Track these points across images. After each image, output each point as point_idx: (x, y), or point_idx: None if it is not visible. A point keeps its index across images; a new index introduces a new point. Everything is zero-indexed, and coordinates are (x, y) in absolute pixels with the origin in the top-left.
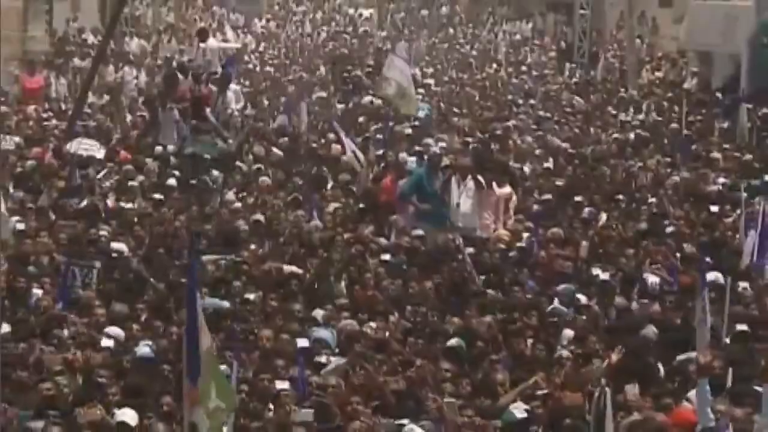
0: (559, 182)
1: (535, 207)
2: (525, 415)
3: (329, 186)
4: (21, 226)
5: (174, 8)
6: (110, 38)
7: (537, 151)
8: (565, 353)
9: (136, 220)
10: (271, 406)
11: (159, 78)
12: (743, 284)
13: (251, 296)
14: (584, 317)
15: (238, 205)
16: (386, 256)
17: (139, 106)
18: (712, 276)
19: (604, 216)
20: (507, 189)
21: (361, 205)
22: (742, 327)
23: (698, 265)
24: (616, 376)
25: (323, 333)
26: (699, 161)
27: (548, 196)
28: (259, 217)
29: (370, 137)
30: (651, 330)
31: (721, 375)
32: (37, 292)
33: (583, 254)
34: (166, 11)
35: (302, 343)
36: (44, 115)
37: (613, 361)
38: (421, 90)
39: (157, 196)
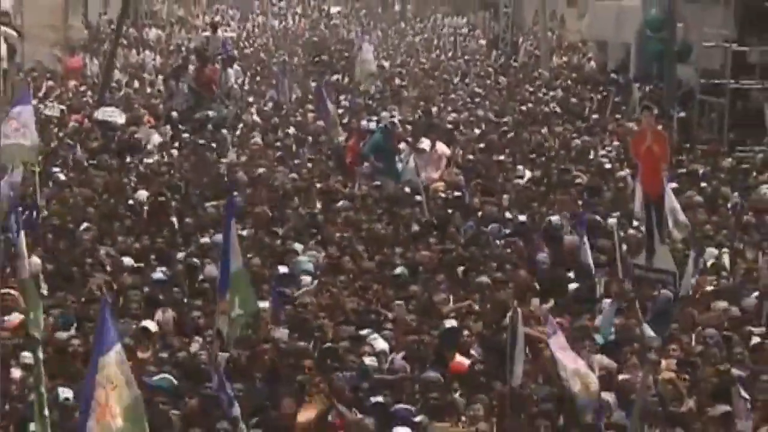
0: (486, 144)
1: (468, 164)
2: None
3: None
4: (62, 177)
5: (184, 5)
6: (121, 29)
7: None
8: (485, 279)
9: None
10: None
11: (171, 60)
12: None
13: (244, 233)
14: (508, 250)
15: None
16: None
17: (157, 80)
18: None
19: (528, 173)
20: (445, 148)
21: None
22: None
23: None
24: (524, 294)
25: (303, 261)
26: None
27: (477, 156)
28: (259, 170)
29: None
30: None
31: None
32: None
33: (505, 203)
34: (177, 7)
35: (282, 269)
36: (81, 89)
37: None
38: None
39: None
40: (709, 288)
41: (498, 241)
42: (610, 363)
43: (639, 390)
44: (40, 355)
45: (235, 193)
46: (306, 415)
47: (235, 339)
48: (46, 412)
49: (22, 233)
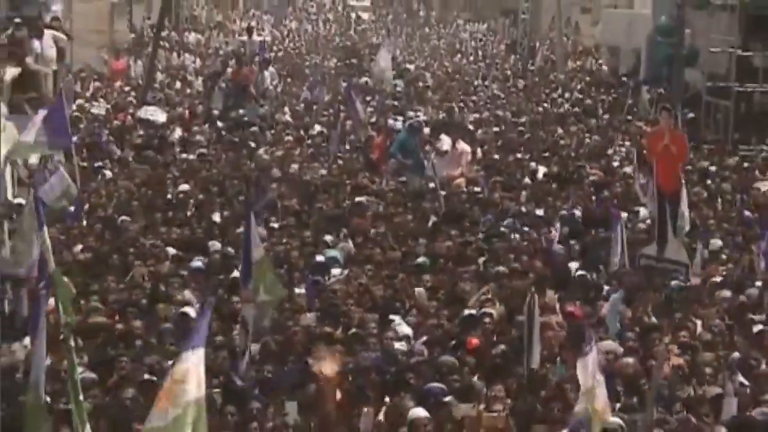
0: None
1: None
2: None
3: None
4: (108, 174)
5: (222, 10)
6: (160, 33)
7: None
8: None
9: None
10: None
11: (209, 62)
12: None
13: (276, 225)
14: (525, 243)
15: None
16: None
17: (196, 82)
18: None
19: (543, 169)
20: (466, 146)
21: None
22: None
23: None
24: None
25: (333, 252)
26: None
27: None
28: (293, 167)
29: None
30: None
31: None
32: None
33: (522, 199)
34: (216, 13)
35: (319, 258)
36: (126, 89)
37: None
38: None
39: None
40: (717, 278)
41: (514, 234)
42: (617, 347)
43: (653, 375)
44: (72, 342)
45: (264, 188)
46: (329, 367)
47: (270, 324)
48: (81, 397)
49: (45, 228)
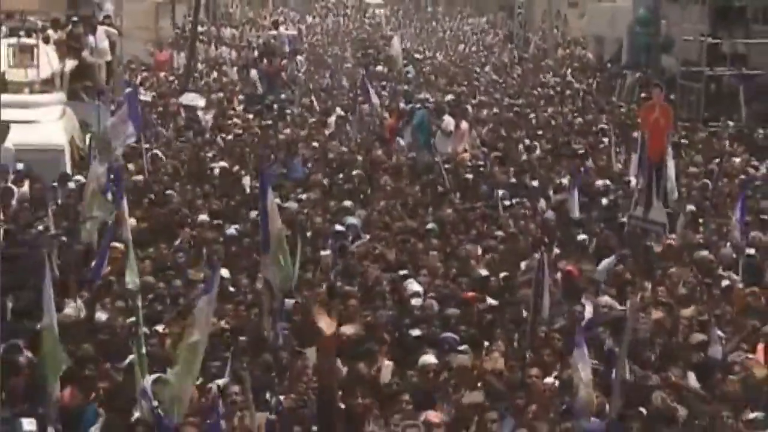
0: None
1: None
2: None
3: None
4: (159, 152)
5: (254, 8)
6: (196, 28)
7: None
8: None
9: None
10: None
11: (243, 53)
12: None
13: (303, 196)
14: (522, 210)
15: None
16: None
17: (232, 71)
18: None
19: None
20: (467, 125)
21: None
22: None
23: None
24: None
25: (352, 220)
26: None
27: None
28: (314, 144)
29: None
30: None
31: None
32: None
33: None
34: (248, 9)
35: (339, 227)
36: (170, 79)
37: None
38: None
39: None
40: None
41: (508, 202)
42: (613, 302)
43: (625, 328)
44: (139, 303)
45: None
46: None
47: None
48: (144, 350)
49: (124, 200)
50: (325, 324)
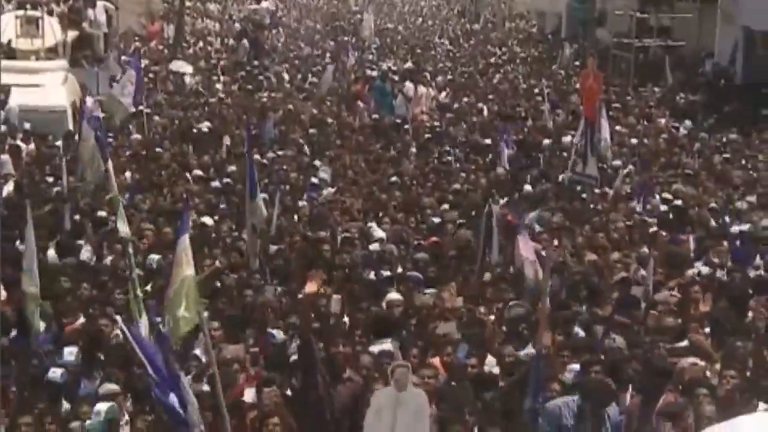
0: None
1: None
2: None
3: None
4: (147, 110)
5: None
6: (183, 2)
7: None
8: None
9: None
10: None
11: (225, 26)
12: None
13: (280, 153)
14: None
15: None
16: None
17: (215, 41)
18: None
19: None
20: (425, 90)
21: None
22: None
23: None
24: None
25: (323, 174)
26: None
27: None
28: (289, 107)
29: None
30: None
31: None
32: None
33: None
34: None
35: (314, 180)
36: (160, 48)
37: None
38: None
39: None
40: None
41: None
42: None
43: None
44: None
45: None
46: (311, 286)
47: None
48: (139, 293)
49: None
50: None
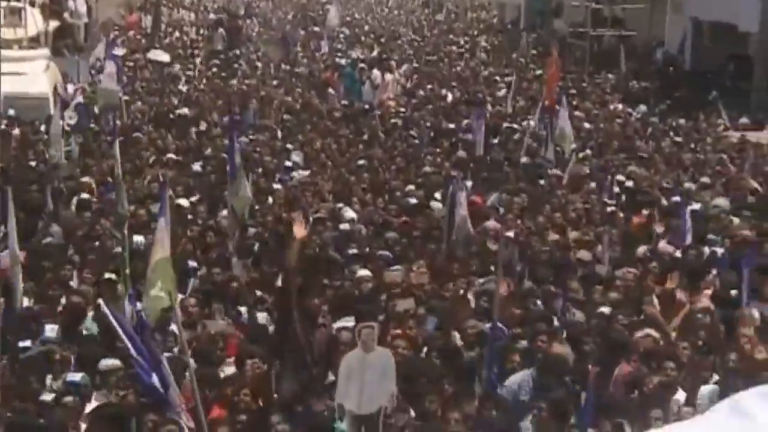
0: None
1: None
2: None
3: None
4: (126, 97)
5: None
6: None
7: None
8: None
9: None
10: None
11: (201, 16)
12: None
13: (261, 137)
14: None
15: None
16: None
17: (191, 31)
18: None
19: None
20: (391, 77)
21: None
22: None
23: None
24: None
25: (296, 157)
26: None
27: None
28: (262, 93)
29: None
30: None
31: None
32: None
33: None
34: None
35: (288, 163)
36: (137, 37)
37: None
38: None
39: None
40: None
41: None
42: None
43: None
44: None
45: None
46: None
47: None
48: (128, 271)
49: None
50: (297, 229)
